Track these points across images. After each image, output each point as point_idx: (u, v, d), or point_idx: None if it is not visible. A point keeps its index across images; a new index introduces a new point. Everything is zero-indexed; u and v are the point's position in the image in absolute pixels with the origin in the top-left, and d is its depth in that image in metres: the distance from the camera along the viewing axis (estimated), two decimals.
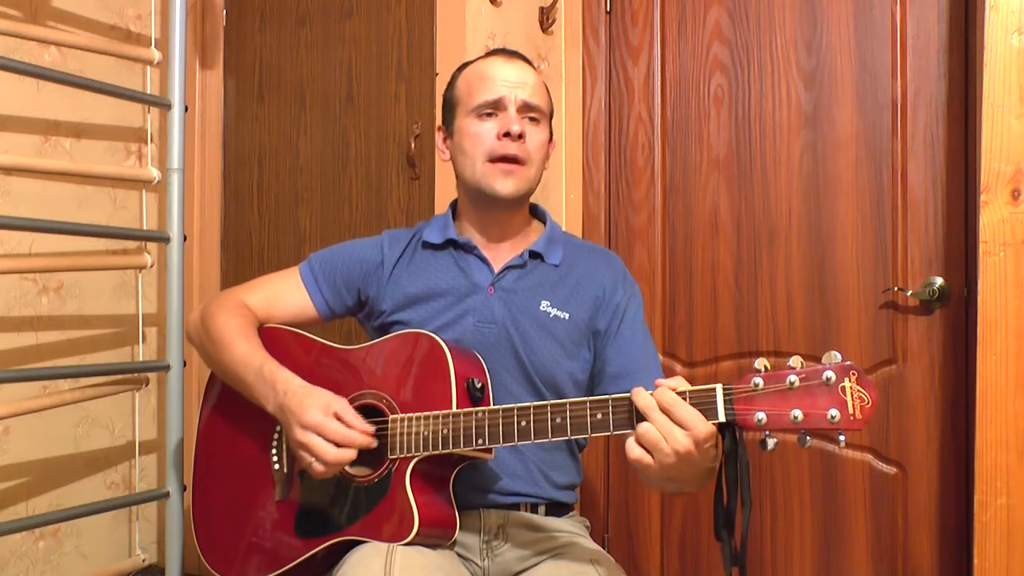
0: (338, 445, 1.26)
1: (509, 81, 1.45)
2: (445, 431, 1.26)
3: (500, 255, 1.50)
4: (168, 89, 2.09)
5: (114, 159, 2.37)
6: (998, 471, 1.57)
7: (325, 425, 1.26)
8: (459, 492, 1.35)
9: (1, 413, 1.91)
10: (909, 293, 1.93)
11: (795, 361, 1.09)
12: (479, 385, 1.31)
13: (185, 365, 2.09)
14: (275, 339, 1.47)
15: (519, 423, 1.21)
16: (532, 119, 1.46)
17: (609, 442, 2.23)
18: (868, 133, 2.00)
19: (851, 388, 1.06)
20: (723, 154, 2.14)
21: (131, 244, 2.33)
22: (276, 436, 1.42)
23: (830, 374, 1.06)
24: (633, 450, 1.11)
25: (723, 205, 2.14)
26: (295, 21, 2.38)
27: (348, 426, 1.27)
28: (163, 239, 2.08)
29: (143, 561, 2.37)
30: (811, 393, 1.07)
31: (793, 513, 2.05)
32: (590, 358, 1.49)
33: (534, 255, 1.49)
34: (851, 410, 1.05)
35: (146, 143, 2.43)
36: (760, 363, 1.10)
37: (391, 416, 1.31)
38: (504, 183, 1.43)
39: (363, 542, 1.27)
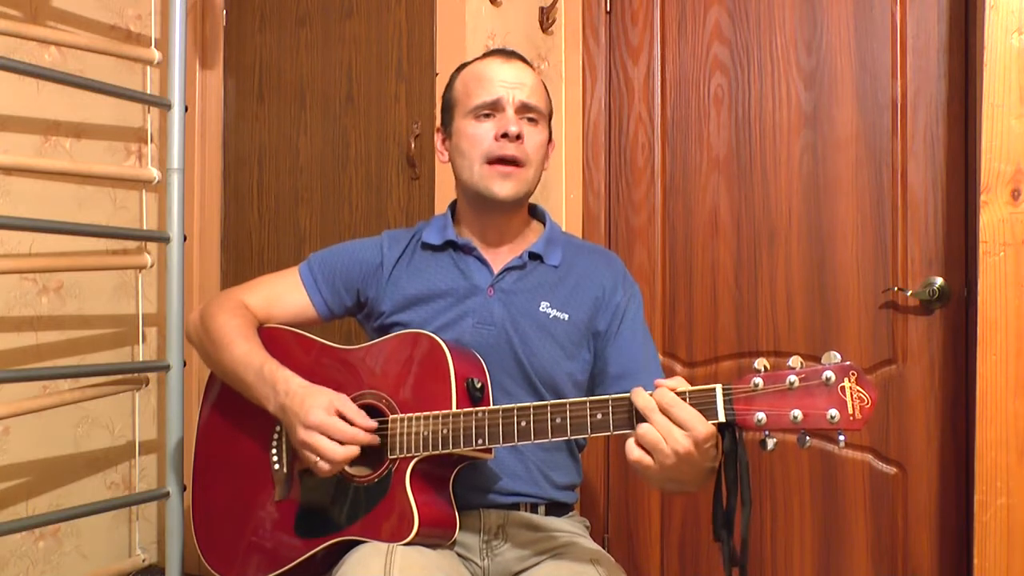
0: (343, 444, 1.26)
1: (507, 82, 1.44)
2: (445, 431, 1.26)
3: (499, 256, 1.50)
4: (168, 89, 2.09)
5: (114, 159, 2.37)
6: (998, 471, 1.57)
7: (329, 424, 1.26)
8: (459, 492, 1.35)
9: (1, 413, 1.92)
10: (909, 293, 1.93)
11: (795, 361, 1.09)
12: (479, 385, 1.31)
13: (185, 365, 2.09)
14: (275, 339, 1.47)
15: (519, 423, 1.21)
16: (530, 120, 1.45)
17: (609, 442, 2.23)
18: (868, 133, 2.00)
19: (851, 388, 1.06)
20: (723, 154, 2.14)
21: (131, 244, 2.33)
22: (276, 436, 1.42)
23: (830, 374, 1.06)
24: (633, 451, 1.11)
25: (723, 205, 2.14)
26: (295, 21, 2.38)
27: (351, 423, 1.27)
28: (163, 239, 2.08)
29: (143, 561, 2.37)
30: (811, 393, 1.07)
31: (793, 513, 2.05)
32: (590, 359, 1.49)
33: (533, 256, 1.49)
34: (851, 410, 1.05)
35: (146, 143, 2.43)
36: (760, 363, 1.10)
37: (391, 416, 1.31)
38: (502, 186, 1.42)
39: (363, 542, 1.27)
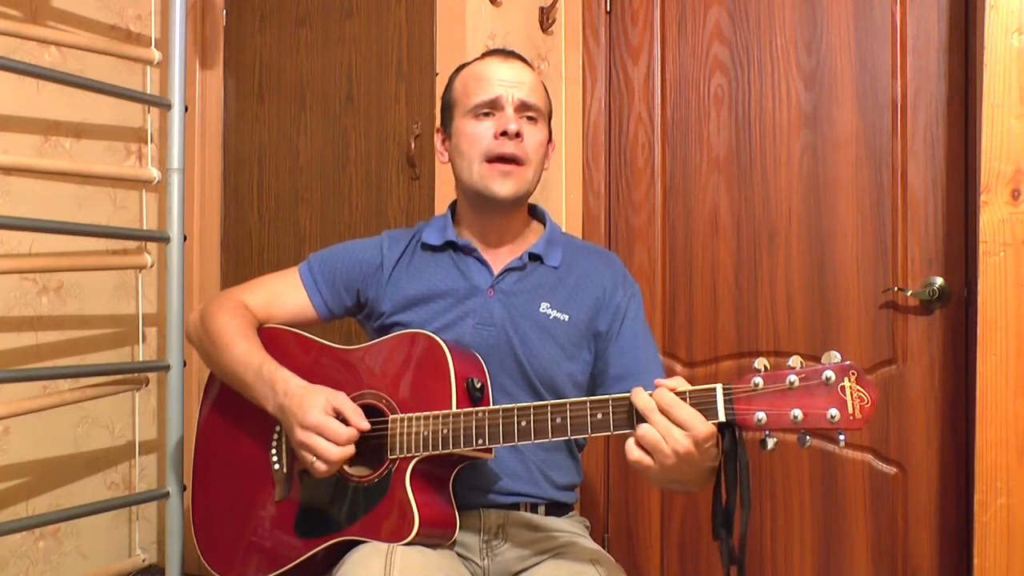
0: (339, 444, 1.26)
1: (506, 80, 1.44)
2: (445, 431, 1.26)
3: (499, 257, 1.50)
4: (168, 89, 2.09)
5: (114, 159, 2.37)
6: (998, 471, 1.57)
7: (326, 425, 1.26)
8: (459, 492, 1.35)
9: (1, 413, 1.91)
10: (909, 293, 1.93)
11: (795, 361, 1.09)
12: (479, 385, 1.31)
13: (185, 365, 2.09)
14: (275, 339, 1.47)
15: (519, 423, 1.21)
16: (530, 118, 1.45)
17: (609, 442, 2.23)
18: (868, 133, 2.00)
19: (851, 388, 1.06)
20: (723, 154, 2.14)
21: (131, 244, 2.33)
22: (276, 436, 1.42)
23: (830, 374, 1.07)
24: (632, 451, 1.11)
25: (723, 205, 2.14)
26: (295, 21, 2.38)
27: (347, 422, 1.27)
28: (163, 239, 2.08)
29: (143, 561, 2.37)
30: (811, 393, 1.07)
31: (793, 513, 2.05)
32: (590, 359, 1.49)
33: (534, 257, 1.49)
34: (851, 410, 1.06)
35: (146, 143, 2.43)
36: (760, 363, 1.10)
37: (391, 416, 1.31)
38: (502, 184, 1.42)
39: (363, 542, 1.27)
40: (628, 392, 1.14)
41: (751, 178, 2.11)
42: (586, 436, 1.21)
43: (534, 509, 1.45)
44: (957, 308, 1.91)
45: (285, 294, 1.54)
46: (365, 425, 1.28)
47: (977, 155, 1.66)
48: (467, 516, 1.38)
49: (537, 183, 1.49)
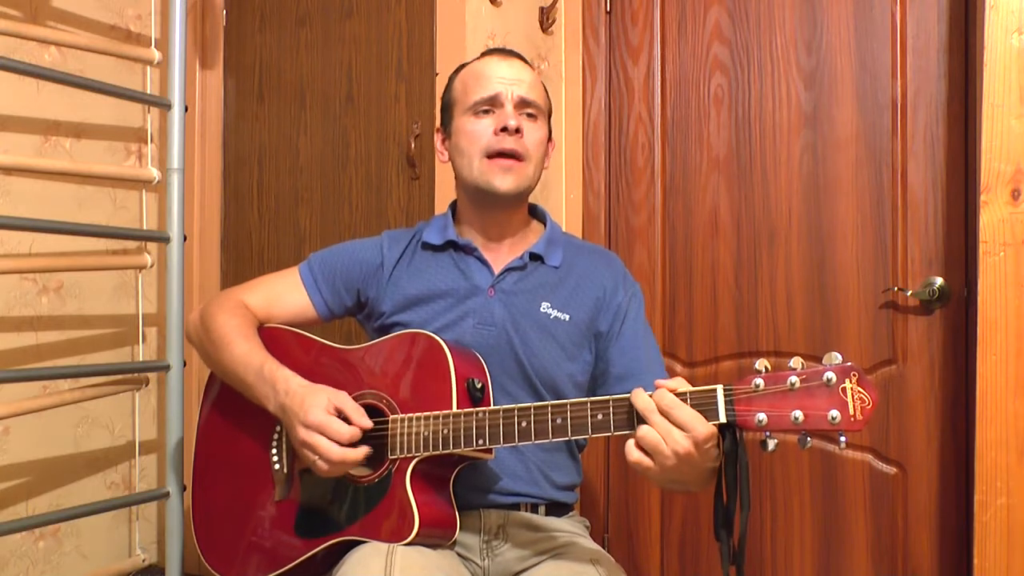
0: (342, 443, 1.26)
1: (505, 78, 1.44)
2: (445, 431, 1.26)
3: (500, 257, 1.50)
4: (168, 89, 2.09)
5: (114, 159, 2.37)
6: (998, 471, 1.57)
7: (328, 424, 1.26)
8: (459, 492, 1.35)
9: (1, 413, 1.91)
10: (909, 293, 1.93)
11: (796, 362, 1.09)
12: (479, 385, 1.31)
13: (185, 365, 2.09)
14: (275, 339, 1.47)
15: (519, 423, 1.21)
16: (529, 115, 1.45)
17: (609, 442, 2.24)
18: (868, 133, 2.00)
19: (852, 389, 1.06)
20: (723, 154, 2.14)
21: (131, 244, 2.33)
22: (276, 436, 1.42)
23: (831, 375, 1.06)
24: (632, 453, 1.11)
25: (723, 205, 2.14)
26: (295, 21, 2.38)
27: (349, 421, 1.27)
28: (163, 239, 2.08)
29: (143, 561, 2.37)
30: (812, 394, 1.07)
31: (793, 513, 2.05)
32: (591, 360, 1.49)
33: (534, 257, 1.49)
34: (852, 411, 1.05)
35: (146, 143, 2.43)
36: (761, 364, 1.10)
37: (391, 416, 1.31)
38: (503, 179, 1.42)
39: (363, 542, 1.27)
40: (629, 393, 1.14)
41: (751, 178, 2.11)
42: (586, 437, 1.21)
43: (534, 509, 1.45)
44: (957, 308, 1.91)
45: (285, 294, 1.54)
46: (367, 423, 1.28)
47: (977, 155, 1.66)
48: (467, 516, 1.38)
49: (537, 180, 1.49)
